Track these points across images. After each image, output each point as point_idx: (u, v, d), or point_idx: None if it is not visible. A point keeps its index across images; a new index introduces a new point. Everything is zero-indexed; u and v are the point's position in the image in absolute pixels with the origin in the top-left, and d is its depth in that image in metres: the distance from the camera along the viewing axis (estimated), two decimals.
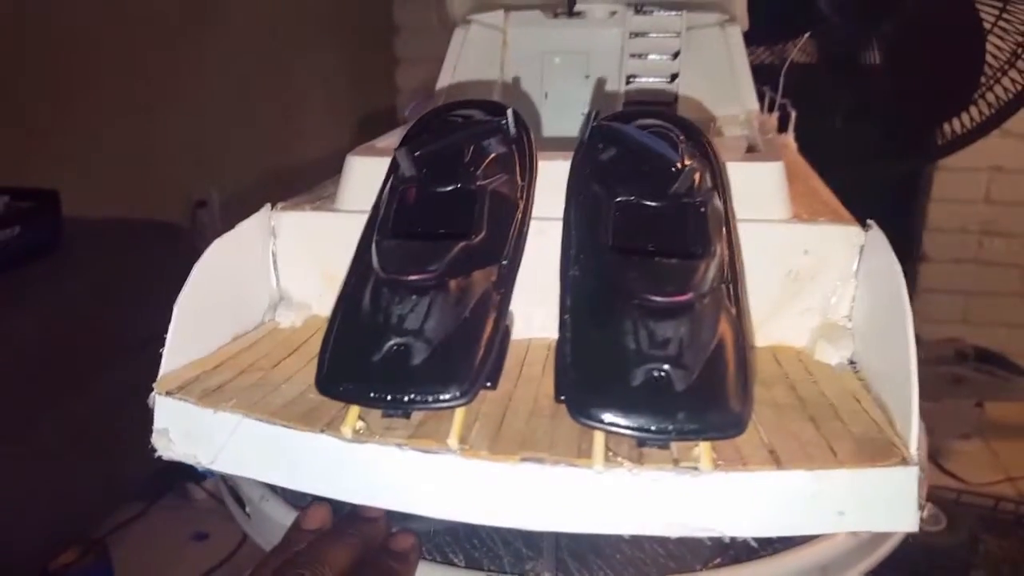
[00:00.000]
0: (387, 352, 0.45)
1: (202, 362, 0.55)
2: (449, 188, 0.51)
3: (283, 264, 0.65)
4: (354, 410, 0.47)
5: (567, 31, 0.91)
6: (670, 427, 0.42)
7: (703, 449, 0.44)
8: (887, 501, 0.44)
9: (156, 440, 0.51)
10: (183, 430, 0.51)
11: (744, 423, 0.42)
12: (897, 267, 0.48)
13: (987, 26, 1.13)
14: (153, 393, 0.52)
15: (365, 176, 0.63)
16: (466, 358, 0.45)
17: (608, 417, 0.42)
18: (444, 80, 0.92)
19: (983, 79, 1.13)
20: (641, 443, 0.45)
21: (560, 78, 0.92)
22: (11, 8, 1.17)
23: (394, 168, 0.55)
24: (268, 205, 0.65)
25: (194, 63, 1.61)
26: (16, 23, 1.20)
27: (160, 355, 0.53)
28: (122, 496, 1.46)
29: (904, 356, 0.45)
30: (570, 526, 0.45)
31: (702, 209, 0.50)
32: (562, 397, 0.44)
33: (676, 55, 0.85)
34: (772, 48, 1.11)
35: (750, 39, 0.84)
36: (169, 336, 0.53)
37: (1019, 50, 1.11)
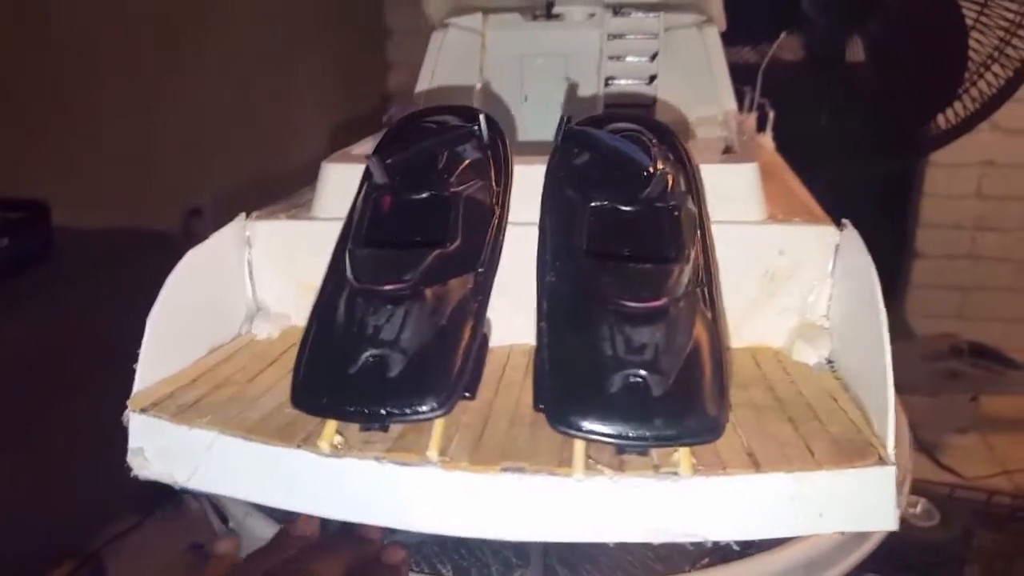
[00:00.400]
0: (363, 364, 0.45)
1: (177, 377, 0.54)
2: (422, 195, 0.51)
3: (259, 274, 0.64)
4: (331, 424, 0.47)
5: (546, 33, 0.91)
6: (648, 434, 0.42)
7: (683, 455, 0.43)
8: (866, 501, 0.44)
9: (131, 459, 0.50)
10: (158, 448, 0.50)
11: (721, 428, 0.42)
12: (871, 266, 0.48)
13: (969, 22, 1.14)
14: (127, 411, 0.51)
15: (340, 183, 0.62)
16: (443, 368, 0.44)
17: (586, 425, 0.42)
18: (423, 84, 0.91)
19: (967, 75, 1.14)
20: (620, 450, 0.44)
21: (539, 81, 0.92)
22: (9, 10, 1.17)
23: (367, 176, 0.55)
24: (243, 215, 0.65)
25: (190, 66, 1.61)
26: (15, 25, 1.20)
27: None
28: (117, 508, 1.45)
29: (880, 355, 0.45)
30: (553, 535, 0.45)
31: (675, 213, 0.49)
32: (540, 406, 0.44)
33: (654, 57, 0.85)
34: (756, 47, 1.11)
35: (735, 39, 0.84)
36: (142, 351, 0.52)
37: (1001, 45, 1.11)
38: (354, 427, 0.47)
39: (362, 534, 0.52)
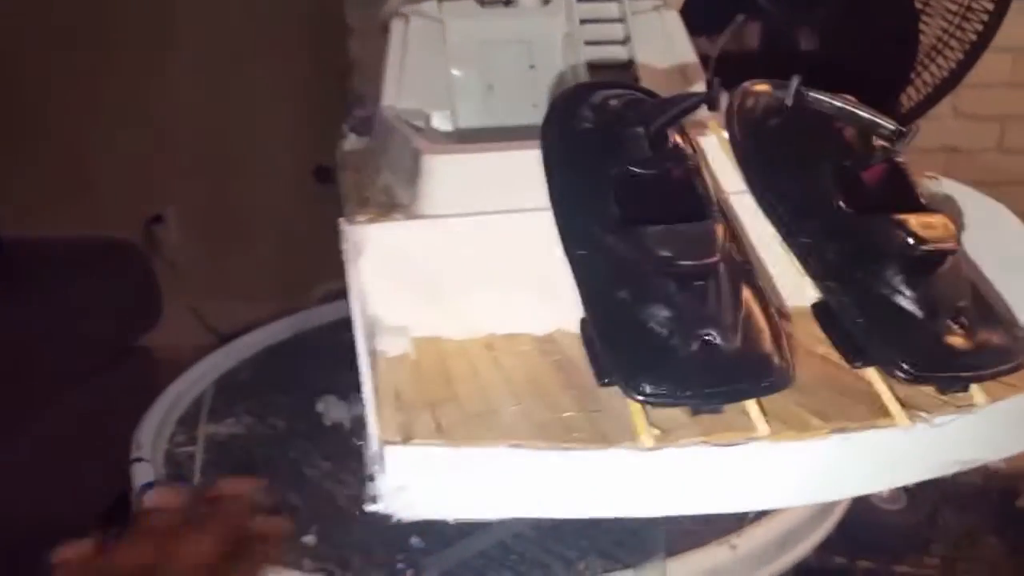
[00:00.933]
0: (694, 345, 0.43)
1: (393, 403, 0.47)
2: (662, 171, 0.49)
3: (373, 285, 0.57)
4: (640, 416, 0.44)
5: (504, 21, 0.89)
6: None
7: (974, 390, 0.47)
8: None
9: (390, 502, 0.42)
10: (428, 481, 0.43)
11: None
12: None
13: (919, 6, 1.24)
14: (376, 447, 0.43)
15: (449, 176, 0.58)
16: (772, 339, 0.44)
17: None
18: (392, 76, 0.85)
19: (919, 59, 1.28)
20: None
21: (503, 69, 0.90)
22: None
23: (586, 152, 0.51)
24: (340, 220, 0.57)
25: (149, 70, 1.58)
26: None
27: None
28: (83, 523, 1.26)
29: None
30: (877, 485, 0.46)
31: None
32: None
33: (626, 41, 0.87)
34: (710, 37, 1.16)
35: (689, 30, 0.89)
36: (371, 378, 0.44)
37: (950, 28, 1.26)
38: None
39: (232, 493, 0.49)
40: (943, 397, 0.47)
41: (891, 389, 0.46)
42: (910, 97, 1.28)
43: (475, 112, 0.87)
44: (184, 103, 1.72)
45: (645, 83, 0.86)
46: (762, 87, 0.58)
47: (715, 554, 0.74)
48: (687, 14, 0.90)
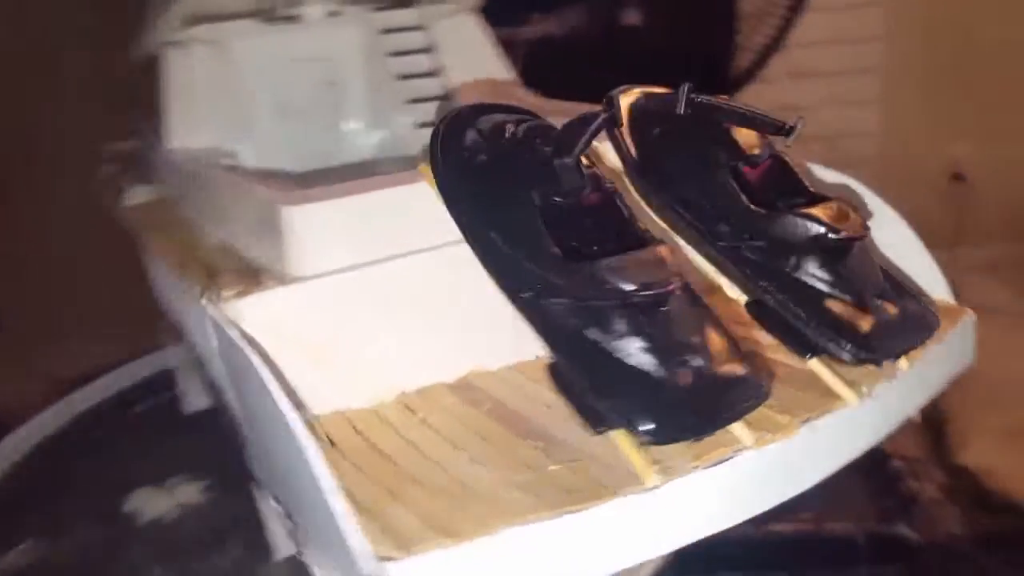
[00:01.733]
0: (681, 374, 0.40)
1: (365, 506, 0.40)
2: (588, 198, 0.45)
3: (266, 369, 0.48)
4: (636, 455, 0.41)
5: (295, 37, 0.81)
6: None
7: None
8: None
9: None
10: None
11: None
12: None
13: None
14: (370, 567, 0.36)
15: (319, 229, 0.51)
16: (737, 349, 0.43)
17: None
18: (176, 112, 0.74)
19: (746, 23, 1.27)
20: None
21: (301, 89, 0.82)
22: None
23: (498, 185, 0.46)
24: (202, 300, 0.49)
25: None
26: None
27: None
28: None
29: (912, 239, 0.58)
30: (841, 461, 0.47)
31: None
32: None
33: (430, 50, 0.83)
34: (529, 26, 1.08)
35: (503, 19, 0.85)
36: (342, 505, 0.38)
37: None
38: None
39: None
40: (875, 370, 0.49)
41: (835, 374, 0.47)
42: (739, 65, 1.30)
43: (280, 142, 0.79)
44: None
45: (460, 90, 0.83)
46: (637, 95, 0.56)
47: None
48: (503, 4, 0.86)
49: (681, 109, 0.50)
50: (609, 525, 0.39)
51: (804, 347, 0.47)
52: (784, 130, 0.48)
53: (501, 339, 0.52)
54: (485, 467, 0.44)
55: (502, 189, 0.46)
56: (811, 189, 0.52)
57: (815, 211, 0.48)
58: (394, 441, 0.48)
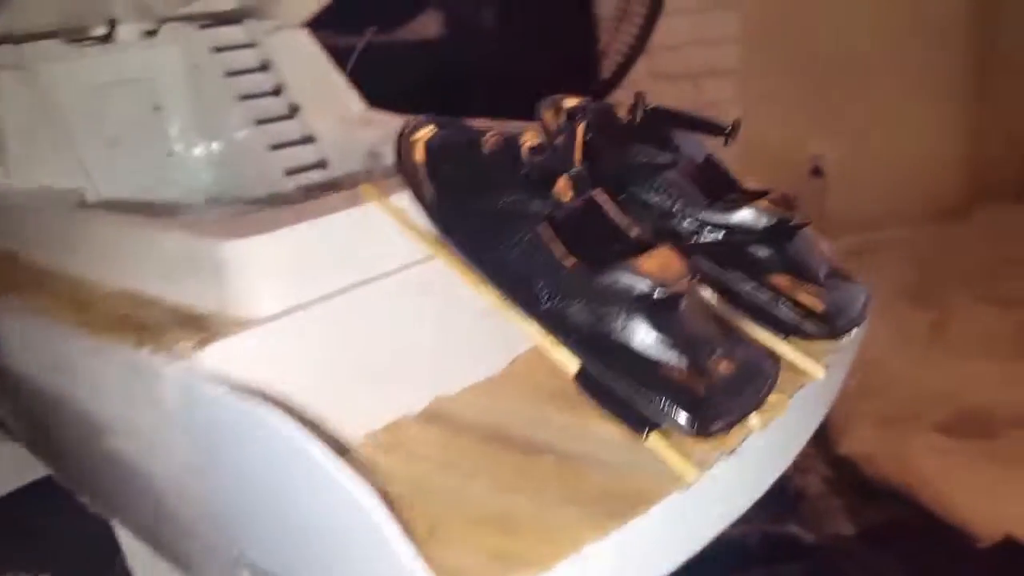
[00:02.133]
0: (718, 366, 0.41)
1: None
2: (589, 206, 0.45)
3: None
4: (671, 453, 0.40)
5: (111, 59, 0.71)
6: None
7: None
8: None
9: None
10: None
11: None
12: None
13: None
14: None
15: (266, 263, 0.45)
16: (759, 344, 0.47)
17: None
18: None
19: (607, 27, 1.25)
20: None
21: (125, 115, 0.72)
22: None
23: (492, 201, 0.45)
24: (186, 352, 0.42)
25: None
26: None
27: None
28: None
29: None
30: (809, 432, 0.51)
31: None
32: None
33: (267, 67, 0.75)
34: (386, 32, 0.98)
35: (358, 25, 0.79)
36: None
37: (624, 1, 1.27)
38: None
39: None
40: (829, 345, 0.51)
41: (799, 352, 0.49)
42: (607, 68, 1.30)
43: (118, 173, 0.68)
44: None
45: (302, 106, 0.75)
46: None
47: None
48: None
49: (638, 117, 0.51)
50: (662, 524, 0.39)
51: (778, 328, 0.49)
52: (725, 132, 0.52)
53: (458, 363, 0.51)
54: (515, 491, 0.41)
55: (504, 207, 0.45)
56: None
57: (763, 202, 0.50)
58: (401, 480, 0.43)
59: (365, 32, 0.83)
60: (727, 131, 0.51)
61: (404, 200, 0.48)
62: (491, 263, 0.44)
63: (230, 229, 0.46)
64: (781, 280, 0.49)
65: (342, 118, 0.78)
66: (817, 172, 1.49)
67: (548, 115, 0.54)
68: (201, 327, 0.44)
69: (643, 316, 0.40)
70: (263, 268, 0.45)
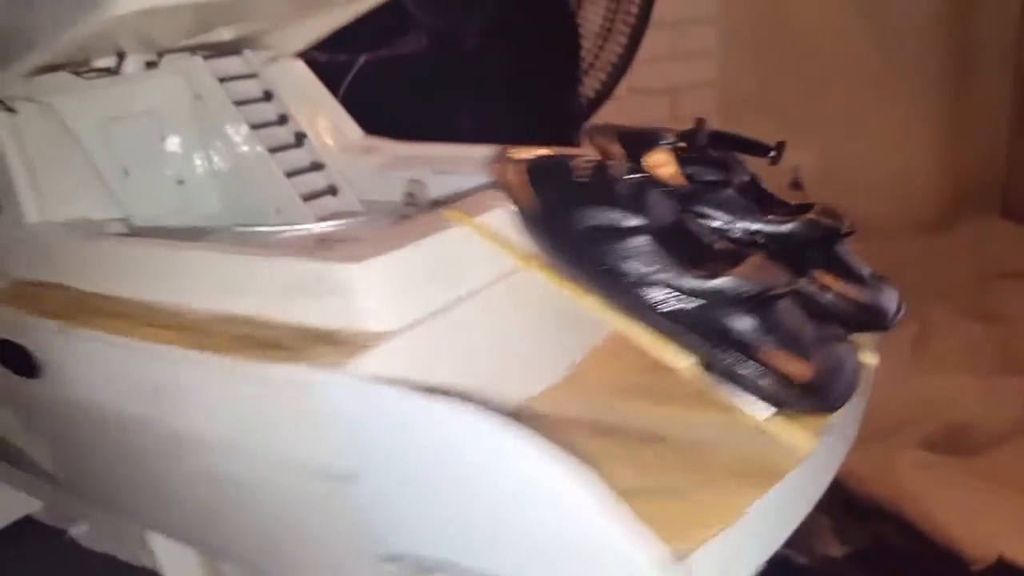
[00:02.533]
0: (833, 348, 0.50)
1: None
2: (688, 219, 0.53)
3: None
4: (800, 428, 0.47)
5: (120, 90, 0.71)
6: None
7: None
8: None
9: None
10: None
11: None
12: None
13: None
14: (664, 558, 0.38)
15: (390, 282, 0.50)
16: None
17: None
18: (21, 183, 0.60)
19: (589, 47, 1.26)
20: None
21: (135, 147, 0.72)
22: None
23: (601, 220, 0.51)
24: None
25: None
26: None
27: None
28: None
29: None
30: None
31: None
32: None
33: (270, 97, 0.77)
34: (374, 53, 0.95)
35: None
36: None
37: (609, 15, 1.28)
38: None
39: None
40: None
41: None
42: (593, 85, 1.32)
43: (131, 203, 0.68)
44: None
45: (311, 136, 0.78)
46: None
47: None
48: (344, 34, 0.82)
49: (703, 141, 0.59)
50: (790, 494, 0.45)
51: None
52: (771, 152, 0.60)
53: (541, 363, 0.54)
54: (655, 471, 0.46)
55: (611, 225, 0.51)
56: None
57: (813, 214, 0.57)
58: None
59: (354, 58, 0.85)
60: (772, 152, 0.60)
61: (491, 219, 0.54)
62: (597, 272, 0.51)
63: (350, 254, 0.50)
64: (830, 279, 0.55)
65: (343, 146, 0.81)
66: (797, 185, 1.63)
67: (601, 140, 0.62)
68: (337, 341, 0.48)
69: (754, 312, 0.48)
70: (388, 285, 0.49)
